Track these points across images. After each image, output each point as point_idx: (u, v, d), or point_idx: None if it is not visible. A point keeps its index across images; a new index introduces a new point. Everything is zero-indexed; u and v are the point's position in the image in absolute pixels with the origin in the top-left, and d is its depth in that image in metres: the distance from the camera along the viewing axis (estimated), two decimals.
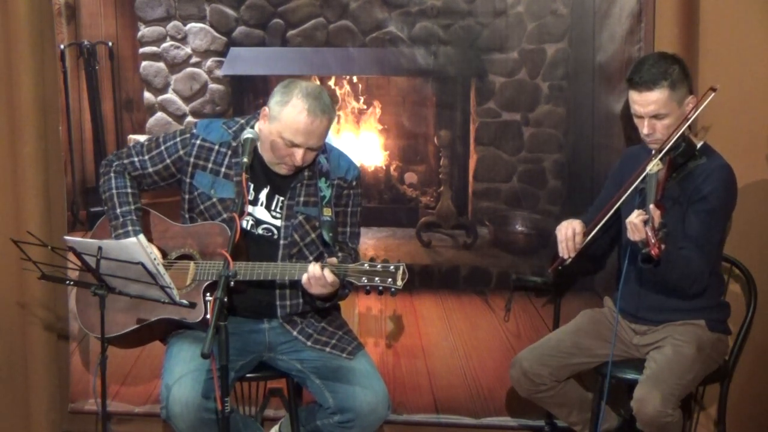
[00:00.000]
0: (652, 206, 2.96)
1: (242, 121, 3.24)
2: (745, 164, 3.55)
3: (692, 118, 3.20)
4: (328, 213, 3.15)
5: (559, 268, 3.35)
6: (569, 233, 3.28)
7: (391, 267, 2.91)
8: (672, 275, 3.12)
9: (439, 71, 3.83)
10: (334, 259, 2.98)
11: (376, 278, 2.91)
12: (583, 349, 3.37)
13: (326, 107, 3.06)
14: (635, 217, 2.98)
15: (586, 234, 3.29)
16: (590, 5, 3.71)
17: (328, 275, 2.94)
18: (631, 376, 3.26)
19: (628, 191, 3.21)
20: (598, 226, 3.27)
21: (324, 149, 3.24)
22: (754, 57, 3.56)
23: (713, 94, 3.15)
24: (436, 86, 3.86)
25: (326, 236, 3.10)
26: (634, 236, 3.00)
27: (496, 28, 3.77)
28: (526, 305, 3.87)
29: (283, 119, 3.04)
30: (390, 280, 2.91)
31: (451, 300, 3.93)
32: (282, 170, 3.14)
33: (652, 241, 2.89)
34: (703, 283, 3.19)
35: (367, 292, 2.95)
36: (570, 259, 3.30)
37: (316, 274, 2.95)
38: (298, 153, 3.05)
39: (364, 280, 2.92)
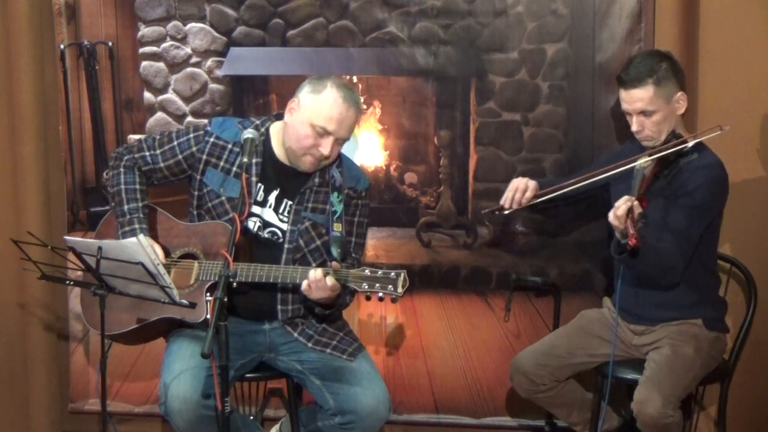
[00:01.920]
0: (635, 200, 2.99)
1: (258, 121, 3.24)
2: (745, 164, 3.55)
3: (690, 144, 3.17)
4: (338, 228, 3.14)
5: (496, 213, 3.45)
6: (520, 186, 3.36)
7: (392, 274, 2.91)
8: (647, 265, 3.13)
9: (439, 71, 3.83)
10: (336, 264, 2.98)
11: (377, 284, 2.91)
12: (582, 349, 3.37)
13: (358, 101, 3.14)
14: (620, 204, 2.99)
15: (537, 197, 3.35)
16: (590, 5, 3.71)
17: (329, 280, 2.94)
18: (631, 376, 3.26)
19: (608, 174, 3.24)
20: (552, 195, 3.34)
21: (339, 163, 3.25)
22: (754, 57, 3.56)
23: (718, 132, 3.14)
24: (436, 86, 3.86)
25: (335, 252, 3.07)
26: (614, 223, 3.01)
27: (496, 28, 3.77)
28: (526, 305, 3.87)
29: (317, 106, 3.07)
30: (390, 287, 2.91)
31: (451, 300, 3.93)
32: (305, 164, 3.12)
33: (631, 231, 2.93)
34: (677, 276, 3.18)
35: (368, 299, 2.96)
36: (508, 211, 3.38)
37: (316, 278, 2.95)
38: (328, 142, 3.07)
39: (365, 286, 2.92)
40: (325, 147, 3.07)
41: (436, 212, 3.92)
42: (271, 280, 3.04)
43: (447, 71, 3.83)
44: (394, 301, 2.93)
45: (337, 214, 3.17)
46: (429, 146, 3.93)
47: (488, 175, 3.86)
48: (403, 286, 2.91)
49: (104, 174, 3.34)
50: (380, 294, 2.91)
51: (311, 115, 3.06)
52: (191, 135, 3.22)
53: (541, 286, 3.79)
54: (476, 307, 3.90)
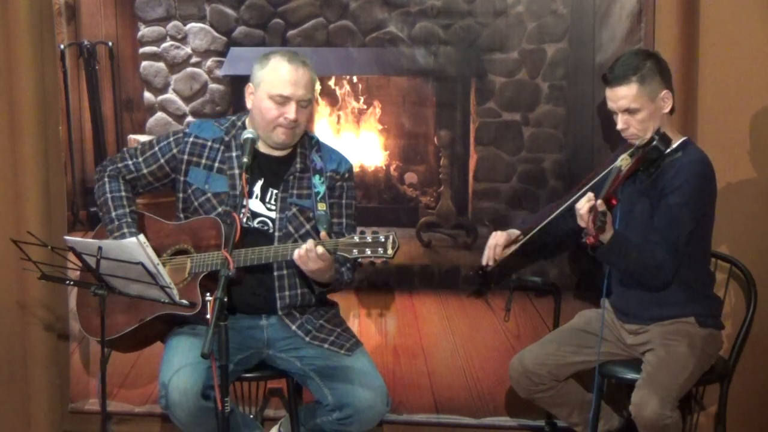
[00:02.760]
0: (595, 197, 3.02)
1: (233, 117, 3.31)
2: (745, 163, 3.55)
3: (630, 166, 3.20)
4: (322, 207, 3.19)
5: (479, 272, 3.52)
6: (492, 242, 3.39)
7: (381, 237, 2.93)
8: (636, 266, 3.15)
9: (439, 71, 3.83)
10: (325, 234, 3.00)
11: (367, 249, 2.93)
12: (581, 349, 3.37)
13: (305, 61, 3.17)
14: (582, 203, 3.02)
15: (515, 243, 3.39)
16: (590, 5, 3.71)
17: (319, 249, 2.94)
18: (630, 376, 3.26)
19: (588, 185, 3.26)
20: (528, 236, 3.37)
21: (318, 148, 3.27)
22: (754, 57, 3.56)
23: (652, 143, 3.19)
24: (436, 86, 3.86)
25: (321, 229, 3.10)
26: (580, 222, 3.04)
27: (496, 28, 3.77)
28: (526, 305, 3.87)
29: (267, 77, 3.13)
30: (381, 249, 2.92)
31: (451, 300, 3.93)
32: (279, 136, 3.16)
33: (590, 229, 2.96)
34: (668, 275, 3.18)
35: (360, 265, 2.98)
36: (489, 267, 3.41)
37: (308, 247, 2.95)
38: (291, 107, 3.11)
39: (355, 252, 2.94)
40: (290, 112, 3.11)
41: (436, 212, 3.92)
42: (264, 261, 3.06)
43: (447, 71, 3.83)
44: (385, 263, 2.95)
45: (320, 195, 3.21)
46: (429, 146, 3.93)
47: (488, 175, 3.86)
48: (393, 248, 2.92)
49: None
50: (372, 257, 2.93)
51: (266, 88, 3.13)
52: (171, 138, 3.28)
53: (541, 286, 3.80)
54: (476, 307, 3.90)
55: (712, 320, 3.32)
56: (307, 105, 3.17)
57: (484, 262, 3.41)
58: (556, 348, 3.38)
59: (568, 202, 3.31)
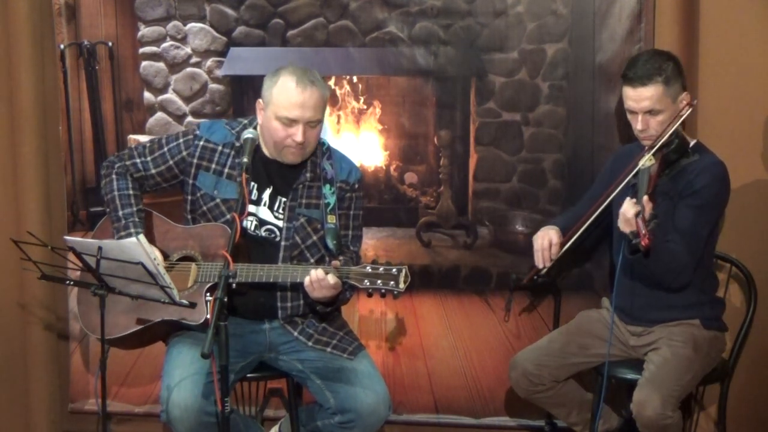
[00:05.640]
0: (645, 198, 2.98)
1: (245, 121, 3.26)
2: (744, 163, 3.55)
3: (678, 123, 3.20)
4: (332, 220, 3.16)
5: (535, 277, 3.41)
6: (545, 243, 3.33)
7: (394, 270, 2.91)
8: (657, 267, 3.12)
9: (439, 71, 3.83)
10: (337, 262, 2.98)
11: (379, 281, 2.92)
12: (581, 349, 3.37)
13: (315, 79, 3.09)
14: (627, 208, 2.99)
15: (563, 243, 3.33)
16: (590, 5, 3.71)
17: (331, 278, 2.94)
18: (630, 376, 3.26)
19: (620, 187, 3.22)
20: (576, 236, 3.31)
21: (329, 155, 3.25)
22: (754, 57, 3.56)
23: (689, 110, 3.19)
24: (436, 86, 3.86)
25: (330, 243, 3.10)
26: (625, 227, 3.01)
27: (496, 28, 3.77)
28: (526, 305, 3.87)
29: (275, 99, 3.07)
30: (392, 283, 2.91)
31: (451, 300, 3.93)
32: (288, 156, 3.13)
33: (643, 232, 2.91)
34: (688, 277, 3.18)
35: (369, 295, 2.95)
36: (545, 269, 3.35)
37: (318, 277, 2.95)
38: (298, 129, 3.06)
39: (366, 282, 2.92)
40: (298, 135, 3.07)
41: (436, 212, 3.92)
42: (272, 280, 3.05)
43: (447, 71, 3.83)
44: (395, 297, 2.94)
45: (330, 206, 3.18)
46: (429, 146, 3.93)
47: (488, 175, 3.86)
48: (405, 282, 2.91)
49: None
50: (382, 290, 2.91)
51: (274, 109, 3.08)
52: (181, 140, 3.24)
53: (541, 286, 3.79)
54: (476, 307, 3.90)
55: (716, 323, 3.32)
56: (316, 125, 3.11)
57: (540, 265, 3.35)
58: (556, 349, 3.38)
59: (607, 201, 3.25)
